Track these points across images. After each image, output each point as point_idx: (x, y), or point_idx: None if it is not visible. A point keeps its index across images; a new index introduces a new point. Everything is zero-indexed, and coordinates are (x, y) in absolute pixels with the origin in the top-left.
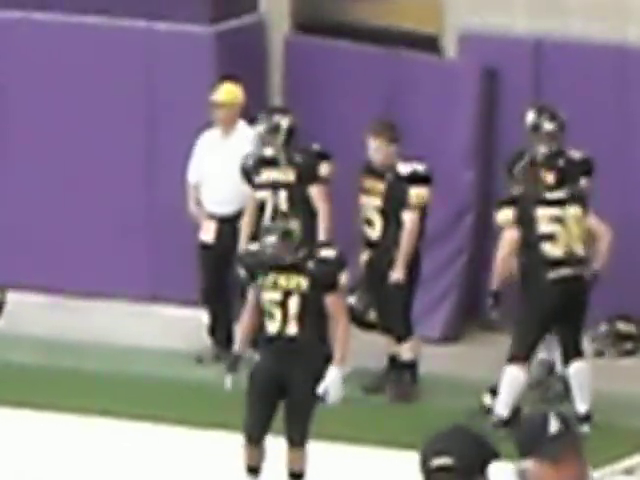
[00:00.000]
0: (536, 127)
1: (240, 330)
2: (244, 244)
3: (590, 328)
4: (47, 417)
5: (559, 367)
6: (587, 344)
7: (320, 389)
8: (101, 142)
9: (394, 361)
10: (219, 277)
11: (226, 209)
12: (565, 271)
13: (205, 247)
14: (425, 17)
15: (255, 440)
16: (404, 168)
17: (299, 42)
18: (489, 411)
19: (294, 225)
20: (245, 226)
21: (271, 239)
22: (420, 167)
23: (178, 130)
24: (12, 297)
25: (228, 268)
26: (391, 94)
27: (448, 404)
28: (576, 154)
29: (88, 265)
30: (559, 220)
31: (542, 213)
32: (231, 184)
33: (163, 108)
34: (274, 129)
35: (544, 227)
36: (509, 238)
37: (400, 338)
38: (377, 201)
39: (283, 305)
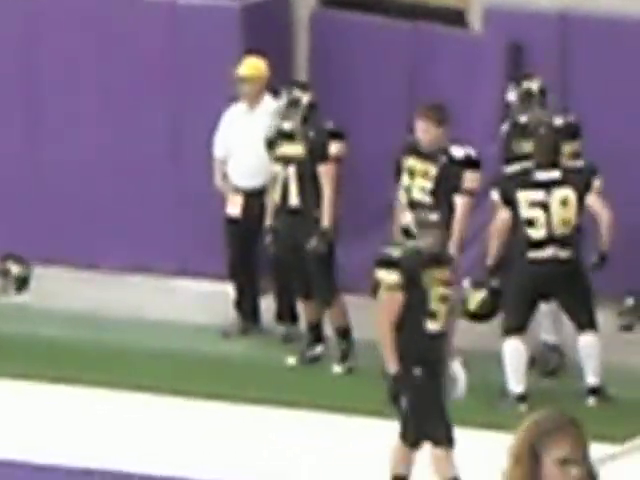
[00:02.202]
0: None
1: (393, 350)
2: (269, 219)
3: (616, 302)
4: (75, 391)
5: (553, 338)
6: (614, 318)
7: (460, 387)
8: (127, 117)
9: None
10: (246, 251)
11: (252, 182)
12: (544, 252)
13: (232, 221)
14: None
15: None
16: (458, 151)
17: (325, 16)
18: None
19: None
20: (270, 201)
21: (435, 234)
22: (472, 151)
23: (204, 105)
24: (41, 272)
25: (255, 242)
26: (417, 68)
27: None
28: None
29: (116, 240)
30: (542, 205)
31: (524, 196)
32: (257, 157)
33: (189, 83)
34: (293, 103)
35: (525, 212)
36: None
37: None
38: (427, 183)
39: (448, 299)
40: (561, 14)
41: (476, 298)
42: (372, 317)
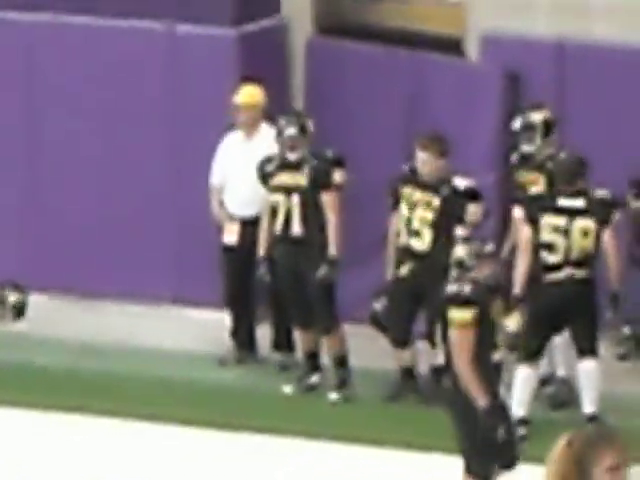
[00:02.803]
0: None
1: (480, 385)
2: (262, 250)
3: (613, 331)
4: (70, 419)
5: (562, 371)
6: (610, 347)
7: None
8: (124, 145)
9: (410, 372)
10: (242, 279)
11: (249, 211)
12: (561, 274)
13: (228, 249)
14: (447, 19)
15: None
16: (461, 183)
17: (321, 44)
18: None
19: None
20: (263, 231)
21: (492, 264)
22: (473, 183)
23: (202, 133)
24: (36, 299)
25: (252, 270)
26: (413, 97)
27: None
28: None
29: (112, 267)
30: (563, 231)
31: (547, 221)
32: (254, 186)
33: (186, 111)
34: (304, 132)
35: (546, 236)
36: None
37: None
38: (429, 214)
39: (506, 331)
40: (559, 43)
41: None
42: (368, 345)
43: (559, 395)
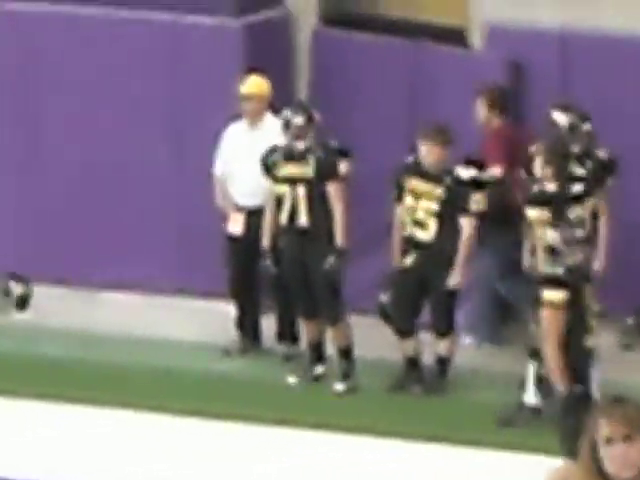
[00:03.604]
0: (573, 127)
1: (563, 369)
2: (267, 240)
3: (617, 321)
4: (74, 410)
5: None
6: (614, 337)
7: None
8: (129, 135)
9: (414, 363)
10: (247, 269)
11: (254, 201)
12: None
13: (233, 239)
14: (451, 9)
15: None
16: (465, 173)
17: (326, 35)
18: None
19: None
20: (267, 222)
21: (583, 250)
22: (476, 172)
23: (206, 123)
24: (40, 290)
25: (256, 260)
26: (417, 87)
27: (478, 397)
28: (602, 154)
29: (115, 257)
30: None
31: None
32: (258, 176)
33: (190, 101)
34: (310, 122)
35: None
36: None
37: (443, 334)
38: (433, 205)
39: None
40: (562, 33)
41: None
42: (373, 336)
43: None
